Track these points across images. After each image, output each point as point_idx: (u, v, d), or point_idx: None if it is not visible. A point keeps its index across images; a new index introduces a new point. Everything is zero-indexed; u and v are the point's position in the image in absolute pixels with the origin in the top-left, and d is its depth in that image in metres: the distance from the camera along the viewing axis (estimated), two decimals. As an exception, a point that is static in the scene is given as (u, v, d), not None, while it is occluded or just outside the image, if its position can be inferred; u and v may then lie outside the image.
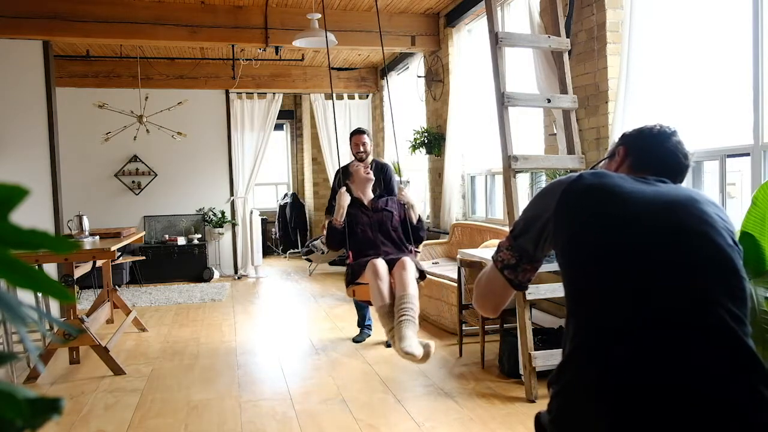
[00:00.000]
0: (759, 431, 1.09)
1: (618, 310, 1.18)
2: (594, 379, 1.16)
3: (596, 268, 1.23)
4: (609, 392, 1.13)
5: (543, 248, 1.37)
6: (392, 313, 3.13)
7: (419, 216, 3.68)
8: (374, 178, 3.83)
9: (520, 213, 1.44)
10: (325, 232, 3.75)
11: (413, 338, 2.97)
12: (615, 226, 1.25)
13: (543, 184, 4.35)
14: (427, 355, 2.94)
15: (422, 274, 3.45)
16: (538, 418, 1.33)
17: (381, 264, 3.26)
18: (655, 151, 1.44)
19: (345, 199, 3.54)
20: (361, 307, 4.72)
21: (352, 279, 3.48)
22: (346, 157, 4.73)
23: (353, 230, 3.59)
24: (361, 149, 4.54)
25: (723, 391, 1.10)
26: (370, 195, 3.75)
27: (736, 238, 1.28)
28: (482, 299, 1.49)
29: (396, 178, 4.68)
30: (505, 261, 1.42)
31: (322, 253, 7.68)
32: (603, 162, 1.56)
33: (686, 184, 1.48)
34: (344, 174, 3.90)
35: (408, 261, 3.32)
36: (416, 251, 3.61)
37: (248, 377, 3.89)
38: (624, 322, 1.17)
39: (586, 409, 1.16)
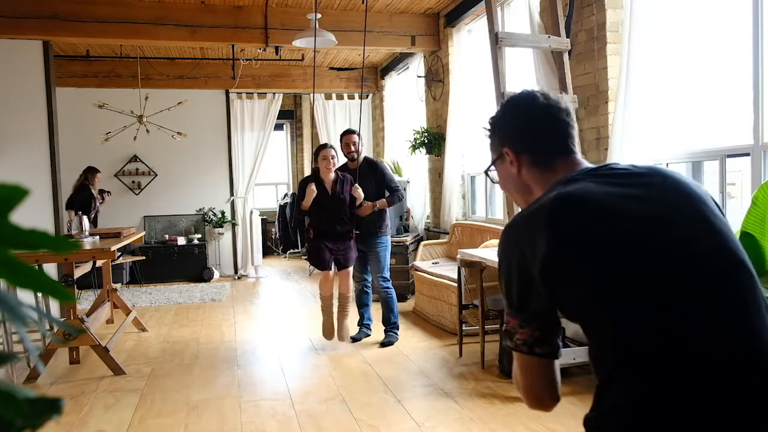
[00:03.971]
0: None
1: (646, 342, 1.05)
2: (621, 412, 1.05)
3: (607, 291, 1.08)
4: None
5: (552, 294, 1.12)
6: (331, 306, 4.52)
7: (361, 202, 4.49)
8: (333, 170, 4.49)
9: (503, 284, 1.20)
10: (295, 209, 4.71)
11: (347, 329, 4.55)
12: (615, 246, 1.09)
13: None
14: (341, 338, 4.55)
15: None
16: None
17: (332, 274, 4.46)
18: (540, 133, 1.26)
19: (313, 194, 4.37)
20: (362, 306, 4.73)
21: (308, 260, 4.73)
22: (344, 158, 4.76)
23: (314, 210, 4.43)
24: (352, 149, 4.57)
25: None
26: (332, 178, 4.46)
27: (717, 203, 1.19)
28: (532, 395, 1.21)
29: (387, 170, 4.72)
30: (528, 339, 1.16)
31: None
32: (495, 164, 1.35)
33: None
34: (315, 155, 4.55)
35: (349, 272, 4.52)
36: (356, 232, 4.51)
37: (248, 377, 3.89)
38: (655, 354, 1.04)
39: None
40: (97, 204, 7.15)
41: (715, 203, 1.20)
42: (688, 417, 1.02)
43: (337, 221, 4.45)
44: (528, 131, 1.28)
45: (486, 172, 1.40)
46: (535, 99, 1.26)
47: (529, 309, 1.15)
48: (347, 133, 4.65)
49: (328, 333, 4.50)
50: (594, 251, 1.08)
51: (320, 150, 4.53)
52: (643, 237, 1.10)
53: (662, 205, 1.14)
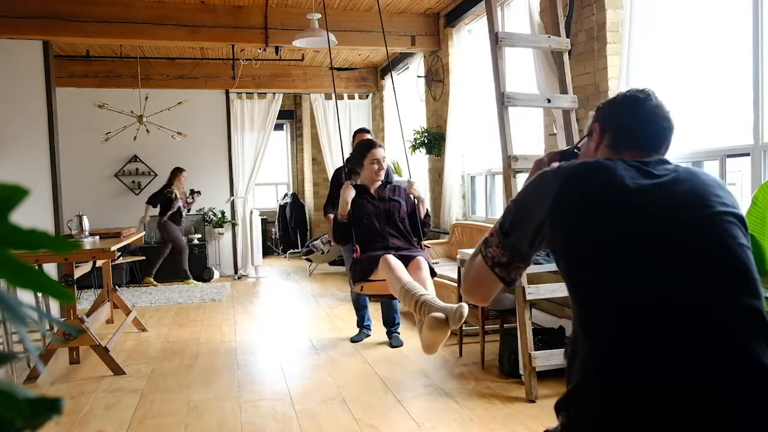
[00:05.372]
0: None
1: (632, 335, 1.10)
2: (605, 416, 1.09)
3: (593, 273, 1.17)
4: (602, 399, 1.09)
5: (537, 248, 1.29)
6: (413, 287, 2.81)
7: (427, 210, 3.52)
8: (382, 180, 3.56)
9: (508, 207, 1.34)
10: (331, 227, 3.54)
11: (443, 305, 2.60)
12: (614, 227, 1.17)
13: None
14: (459, 316, 2.45)
15: (433, 272, 3.26)
16: None
17: (394, 259, 3.02)
18: (631, 124, 1.33)
19: (350, 193, 3.29)
20: (361, 308, 4.72)
21: (362, 276, 3.18)
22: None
23: (359, 221, 3.33)
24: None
25: (738, 407, 1.05)
26: (378, 183, 3.49)
27: (746, 222, 1.22)
28: (471, 291, 1.43)
29: (397, 178, 4.70)
30: (496, 258, 1.33)
31: (322, 253, 7.68)
32: (583, 141, 1.44)
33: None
34: (360, 154, 3.53)
35: (423, 261, 3.14)
36: (426, 246, 3.48)
37: (248, 377, 3.89)
38: (638, 348, 1.09)
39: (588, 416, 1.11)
40: (178, 205, 7.53)
41: (738, 217, 1.21)
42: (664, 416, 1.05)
43: (392, 234, 3.34)
44: (619, 116, 1.36)
45: (576, 147, 1.49)
46: (646, 97, 1.34)
47: (512, 239, 1.30)
48: (361, 132, 4.63)
49: (454, 317, 2.47)
50: (586, 213, 1.20)
51: (368, 149, 3.45)
52: (636, 215, 1.18)
53: (672, 198, 1.20)
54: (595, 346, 1.14)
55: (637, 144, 1.32)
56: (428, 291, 2.83)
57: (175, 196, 7.51)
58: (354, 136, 4.71)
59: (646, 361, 1.08)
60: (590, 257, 1.18)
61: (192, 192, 7.83)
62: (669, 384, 1.05)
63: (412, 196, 3.47)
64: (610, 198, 1.20)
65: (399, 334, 4.57)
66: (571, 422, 1.15)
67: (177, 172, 7.66)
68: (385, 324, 4.62)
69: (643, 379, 1.07)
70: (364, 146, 3.53)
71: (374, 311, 4.85)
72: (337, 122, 3.92)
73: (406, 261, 3.11)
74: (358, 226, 3.31)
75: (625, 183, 1.20)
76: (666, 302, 1.11)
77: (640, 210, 1.17)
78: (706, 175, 1.28)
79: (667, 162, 1.29)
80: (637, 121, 1.33)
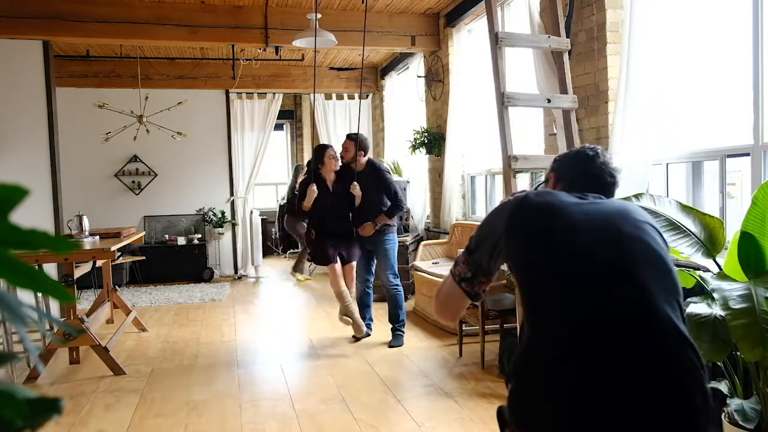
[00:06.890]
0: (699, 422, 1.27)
1: (568, 318, 1.31)
2: (547, 391, 1.28)
3: (547, 280, 1.37)
4: (561, 401, 1.26)
5: (496, 262, 1.53)
6: (348, 299, 4.50)
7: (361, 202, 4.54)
8: (337, 169, 4.61)
9: (476, 230, 1.58)
10: (296, 204, 4.73)
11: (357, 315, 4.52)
12: (561, 239, 1.38)
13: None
14: (360, 333, 4.57)
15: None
16: (501, 414, 1.48)
17: (338, 268, 4.48)
18: (581, 176, 1.59)
19: (313, 195, 4.43)
20: (363, 305, 4.72)
21: (313, 260, 4.70)
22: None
23: (317, 210, 4.51)
24: (343, 155, 4.64)
25: (669, 396, 1.25)
26: (333, 177, 4.59)
27: (662, 233, 1.47)
28: (442, 308, 1.65)
29: (387, 177, 4.67)
30: (462, 274, 1.56)
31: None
32: (541, 185, 1.73)
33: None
34: (316, 158, 4.62)
35: (354, 266, 4.63)
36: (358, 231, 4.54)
37: (248, 377, 3.89)
38: (575, 328, 1.30)
39: (542, 416, 1.29)
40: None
41: (658, 231, 1.47)
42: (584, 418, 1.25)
43: (340, 219, 4.53)
44: (571, 169, 1.63)
45: (536, 189, 1.73)
46: (595, 155, 1.60)
47: (475, 255, 1.54)
48: (345, 138, 4.70)
49: (358, 330, 4.54)
50: (534, 227, 1.43)
51: (324, 150, 4.66)
52: (577, 228, 1.40)
53: (605, 213, 1.43)
54: (537, 333, 1.35)
55: (582, 188, 1.56)
56: (352, 292, 4.59)
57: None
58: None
59: (585, 364, 1.26)
60: (538, 264, 1.39)
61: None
62: (613, 366, 1.25)
63: (353, 193, 4.50)
64: (555, 215, 1.42)
65: (403, 333, 4.58)
66: (517, 389, 1.36)
67: (299, 170, 7.84)
68: (390, 320, 4.63)
69: (585, 357, 1.27)
70: (320, 148, 4.68)
71: (377, 311, 4.86)
72: (320, 122, 4.44)
73: (344, 262, 4.56)
74: (315, 213, 4.53)
75: (567, 202, 1.45)
76: (605, 299, 1.31)
77: (580, 223, 1.40)
78: (633, 204, 1.58)
79: (603, 198, 1.55)
80: (585, 175, 1.59)
